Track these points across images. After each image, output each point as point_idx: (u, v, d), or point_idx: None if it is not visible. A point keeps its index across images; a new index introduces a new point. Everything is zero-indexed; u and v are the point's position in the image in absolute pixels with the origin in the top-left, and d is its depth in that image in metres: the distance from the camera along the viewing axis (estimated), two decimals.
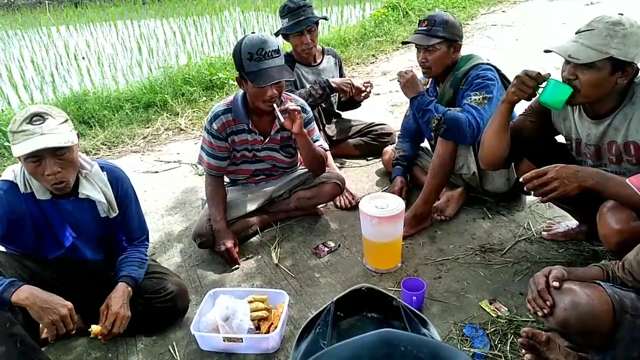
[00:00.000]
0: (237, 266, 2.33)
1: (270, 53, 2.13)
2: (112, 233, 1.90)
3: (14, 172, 1.77)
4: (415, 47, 2.42)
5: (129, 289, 1.85)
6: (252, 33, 2.19)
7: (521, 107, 2.06)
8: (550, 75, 1.76)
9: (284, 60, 2.22)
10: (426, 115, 2.33)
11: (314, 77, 3.12)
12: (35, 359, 1.61)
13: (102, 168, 1.89)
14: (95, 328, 1.75)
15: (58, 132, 1.63)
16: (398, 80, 2.46)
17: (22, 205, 1.74)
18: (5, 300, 1.54)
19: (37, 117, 1.61)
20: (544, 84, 1.76)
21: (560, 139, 2.04)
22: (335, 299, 0.70)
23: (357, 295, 0.72)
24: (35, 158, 1.60)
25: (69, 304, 1.63)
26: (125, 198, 1.95)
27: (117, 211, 1.90)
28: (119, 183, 1.92)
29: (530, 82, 1.79)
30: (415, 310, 0.69)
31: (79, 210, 1.83)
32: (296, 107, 2.24)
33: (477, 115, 2.23)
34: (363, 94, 3.08)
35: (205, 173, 2.50)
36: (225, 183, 2.62)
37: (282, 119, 2.24)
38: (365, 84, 3.09)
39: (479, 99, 2.27)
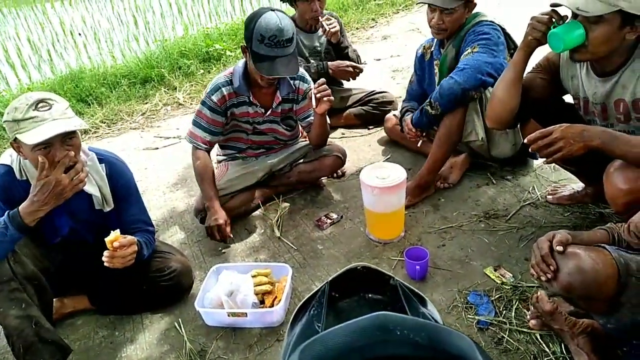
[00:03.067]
0: (229, 239, 2.26)
1: (282, 42, 2.07)
2: (108, 224, 1.84)
3: (11, 157, 1.74)
4: (429, 7, 2.31)
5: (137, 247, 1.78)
6: (271, 10, 2.08)
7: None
8: (568, 17, 1.68)
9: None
10: (423, 117, 2.36)
11: (312, 44, 3.05)
12: (49, 339, 1.63)
13: (101, 159, 1.84)
14: (114, 234, 1.68)
15: (67, 117, 1.60)
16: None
17: (19, 191, 1.71)
18: (24, 227, 1.58)
19: (43, 103, 1.57)
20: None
21: (568, 99, 1.98)
22: (329, 279, 0.68)
23: (353, 275, 0.70)
24: (45, 145, 1.57)
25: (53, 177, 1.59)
26: (124, 194, 1.89)
27: (112, 206, 1.86)
28: (118, 179, 1.87)
29: (545, 18, 1.70)
30: (413, 288, 0.67)
31: (76, 200, 1.77)
32: (327, 93, 2.19)
33: (471, 63, 2.17)
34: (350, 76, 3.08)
35: (192, 147, 2.40)
36: (224, 157, 2.59)
37: (314, 105, 2.22)
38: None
39: (470, 52, 2.22)
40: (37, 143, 1.53)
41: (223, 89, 2.29)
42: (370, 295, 0.65)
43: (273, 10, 2.09)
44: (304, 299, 0.67)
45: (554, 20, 1.69)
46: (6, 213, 1.58)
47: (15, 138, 1.58)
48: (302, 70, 2.41)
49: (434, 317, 0.64)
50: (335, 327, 0.48)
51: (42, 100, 1.57)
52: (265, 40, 2.05)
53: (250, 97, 2.31)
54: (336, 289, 0.65)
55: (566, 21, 1.66)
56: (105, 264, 1.68)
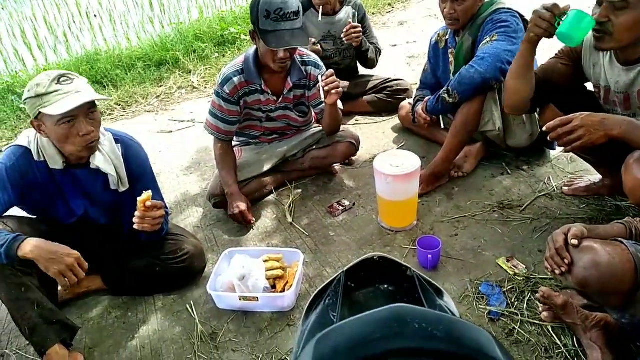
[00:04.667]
0: (252, 225, 2.33)
1: (288, 15, 2.04)
2: (123, 205, 1.86)
3: (28, 137, 1.75)
4: None
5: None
6: None
7: (544, 54, 1.96)
8: (569, 7, 1.62)
9: (302, 10, 2.14)
10: (439, 105, 2.33)
11: (327, 27, 3.02)
12: (53, 320, 1.65)
13: (118, 140, 1.84)
14: (147, 194, 1.68)
15: (89, 90, 1.63)
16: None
17: (35, 172, 1.73)
18: (12, 255, 1.53)
19: (64, 77, 1.59)
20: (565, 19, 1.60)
21: (589, 86, 1.93)
22: (345, 268, 0.67)
23: (369, 265, 0.69)
24: (69, 118, 1.58)
25: (75, 253, 1.60)
26: (139, 175, 1.90)
27: (128, 186, 1.86)
28: (134, 160, 1.87)
29: (547, 14, 1.64)
30: (430, 280, 0.66)
31: (92, 180, 1.80)
32: (336, 85, 2.18)
33: (491, 52, 2.14)
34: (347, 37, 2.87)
35: (213, 137, 2.45)
36: (238, 143, 2.59)
37: (323, 98, 2.21)
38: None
39: (489, 41, 2.18)
40: (64, 112, 1.54)
41: (234, 78, 2.28)
42: (385, 286, 0.65)
43: None
44: (319, 288, 0.67)
45: (556, 15, 1.63)
46: (12, 237, 1.56)
47: (38, 114, 1.59)
48: (314, 57, 2.39)
49: (450, 309, 0.64)
50: (352, 318, 0.48)
51: (63, 75, 1.60)
52: (271, 15, 2.03)
53: (262, 85, 2.30)
54: (352, 279, 0.65)
55: (568, 12, 1.59)
56: (135, 226, 1.70)
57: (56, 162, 1.73)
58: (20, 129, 3.64)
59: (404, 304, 0.49)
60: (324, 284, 0.66)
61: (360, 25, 2.91)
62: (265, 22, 2.05)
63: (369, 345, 0.45)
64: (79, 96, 1.57)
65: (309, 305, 0.65)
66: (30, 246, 1.55)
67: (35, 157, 1.72)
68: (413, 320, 0.47)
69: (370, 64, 3.17)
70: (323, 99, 2.22)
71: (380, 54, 3.22)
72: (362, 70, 3.37)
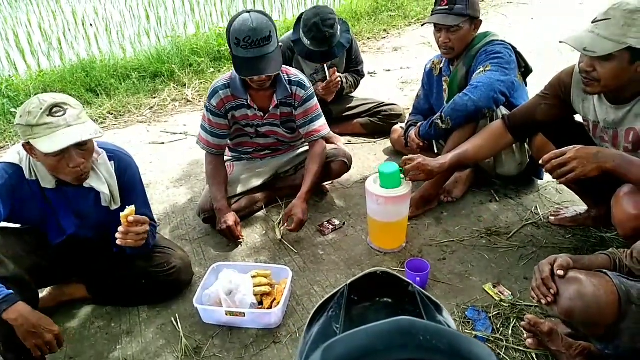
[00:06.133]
0: (240, 241, 2.32)
1: (258, 42, 2.03)
2: (113, 222, 1.81)
3: (19, 154, 1.70)
4: (435, 27, 2.36)
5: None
6: (247, 12, 2.07)
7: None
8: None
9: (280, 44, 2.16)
10: (432, 130, 2.36)
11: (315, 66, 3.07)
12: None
13: (111, 157, 1.81)
14: (130, 209, 1.66)
15: (82, 123, 1.56)
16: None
17: (27, 191, 1.70)
18: None
19: (57, 108, 1.52)
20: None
21: (579, 117, 1.99)
22: (349, 281, 0.69)
23: (372, 279, 0.71)
24: (59, 152, 1.53)
25: (56, 329, 1.55)
26: (129, 186, 1.87)
27: (119, 204, 1.82)
28: (125, 171, 1.85)
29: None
30: (430, 296, 0.67)
31: (83, 198, 1.78)
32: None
33: (484, 81, 2.19)
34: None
35: (204, 152, 2.44)
36: (230, 158, 2.60)
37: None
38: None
39: (482, 70, 2.24)
40: (52, 153, 1.50)
41: (220, 92, 2.28)
42: (387, 300, 0.66)
43: (248, 12, 2.07)
44: (322, 300, 0.68)
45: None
46: (2, 297, 1.48)
47: (29, 141, 1.54)
48: (302, 77, 2.37)
49: (449, 324, 0.65)
50: (357, 329, 0.49)
51: (56, 105, 1.53)
52: (241, 43, 2.03)
53: (248, 100, 2.30)
54: (355, 292, 0.66)
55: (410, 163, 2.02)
56: (118, 241, 1.67)
57: (49, 182, 1.70)
58: (10, 132, 3.60)
59: (410, 317, 0.50)
60: (327, 297, 0.67)
61: (337, 75, 2.97)
62: (237, 49, 2.06)
63: (373, 356, 0.46)
64: (69, 132, 1.51)
65: (311, 317, 0.65)
66: (16, 314, 1.49)
67: (27, 176, 1.69)
68: (417, 332, 0.48)
69: (346, 94, 3.26)
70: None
71: (362, 78, 3.32)
72: (355, 93, 3.42)
